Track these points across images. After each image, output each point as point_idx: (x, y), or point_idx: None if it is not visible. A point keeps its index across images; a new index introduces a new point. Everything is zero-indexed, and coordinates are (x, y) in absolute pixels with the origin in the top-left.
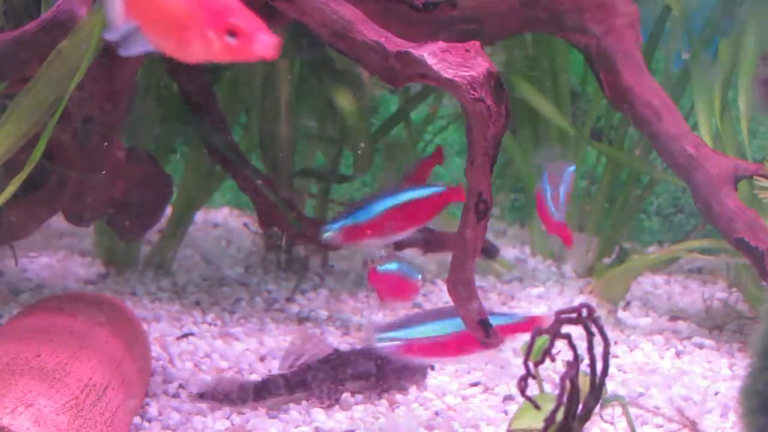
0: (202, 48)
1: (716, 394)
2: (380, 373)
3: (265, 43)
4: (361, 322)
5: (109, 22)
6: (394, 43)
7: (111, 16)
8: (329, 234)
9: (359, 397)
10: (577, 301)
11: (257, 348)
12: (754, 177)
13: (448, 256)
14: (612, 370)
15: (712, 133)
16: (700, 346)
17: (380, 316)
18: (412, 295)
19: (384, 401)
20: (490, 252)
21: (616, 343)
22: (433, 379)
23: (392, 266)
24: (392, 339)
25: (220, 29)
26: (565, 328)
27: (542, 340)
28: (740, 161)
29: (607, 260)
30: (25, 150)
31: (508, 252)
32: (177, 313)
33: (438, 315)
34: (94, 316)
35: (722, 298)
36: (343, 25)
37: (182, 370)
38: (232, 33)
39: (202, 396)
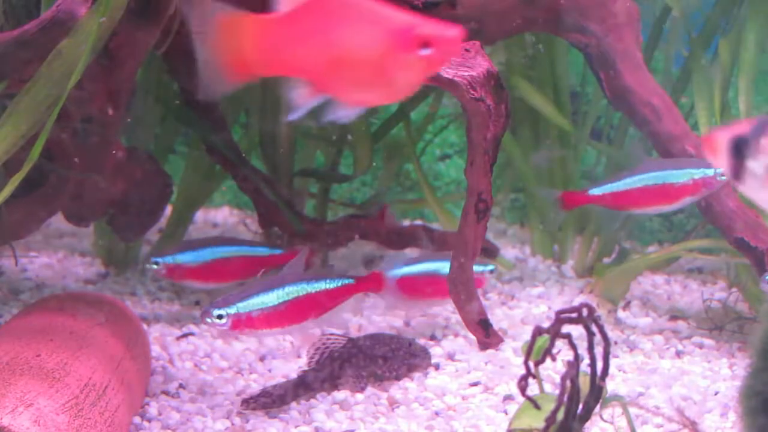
0: (405, 75)
1: (716, 393)
2: (393, 357)
3: (455, 37)
4: (360, 322)
5: (292, 103)
6: None
7: (295, 97)
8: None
9: (359, 396)
10: (577, 300)
11: (257, 348)
12: None
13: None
14: (612, 369)
15: None
16: (700, 346)
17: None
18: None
19: (384, 401)
20: (490, 252)
21: (616, 342)
22: (433, 379)
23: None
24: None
25: (412, 47)
26: (566, 328)
27: (543, 340)
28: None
29: (607, 260)
30: (25, 150)
31: (508, 252)
32: (177, 313)
33: (271, 285)
34: (94, 316)
35: (722, 297)
36: None
37: (182, 370)
38: (425, 45)
39: (246, 402)
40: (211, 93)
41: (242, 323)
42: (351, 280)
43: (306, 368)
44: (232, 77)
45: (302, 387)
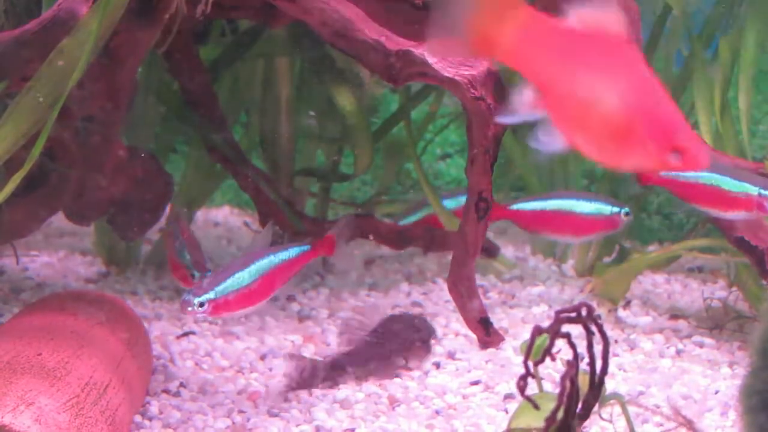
0: (637, 158)
1: (716, 392)
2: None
3: (704, 162)
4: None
5: (512, 105)
6: (395, 42)
7: (518, 102)
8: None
9: (360, 395)
10: (578, 300)
11: (258, 347)
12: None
13: (448, 255)
14: (612, 368)
15: (713, 132)
16: (701, 345)
17: None
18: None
19: (385, 400)
20: (490, 251)
21: (616, 341)
22: (434, 377)
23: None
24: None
25: (665, 146)
26: (566, 327)
27: (542, 339)
28: (740, 160)
29: (607, 259)
30: (26, 149)
31: (509, 251)
32: (178, 312)
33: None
34: (94, 315)
35: (722, 297)
36: (343, 24)
37: (183, 369)
38: (677, 151)
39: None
40: (434, 51)
41: (222, 307)
42: (307, 246)
43: (338, 352)
44: (469, 45)
45: (337, 369)
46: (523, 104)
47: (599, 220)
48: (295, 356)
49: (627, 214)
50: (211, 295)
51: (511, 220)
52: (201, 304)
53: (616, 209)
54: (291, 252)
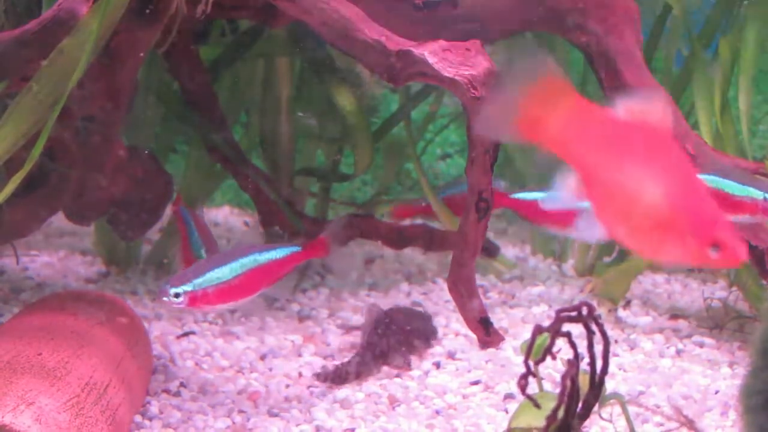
0: (676, 252)
1: (716, 392)
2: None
3: (742, 257)
4: (362, 321)
5: (555, 185)
6: (395, 42)
7: (560, 184)
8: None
9: (360, 395)
10: (578, 299)
11: (258, 346)
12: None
13: (448, 255)
14: (612, 368)
15: (713, 133)
16: (701, 345)
17: None
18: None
19: (385, 399)
20: (490, 251)
21: (616, 341)
22: (434, 377)
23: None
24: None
25: (705, 241)
26: (566, 327)
27: (543, 339)
28: (740, 160)
29: (607, 259)
30: (26, 149)
31: (509, 251)
32: (178, 312)
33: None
34: (94, 314)
35: (722, 297)
36: (343, 24)
37: (183, 369)
38: (717, 246)
39: (318, 376)
40: (484, 128)
41: (199, 300)
42: (298, 248)
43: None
44: (514, 127)
45: (363, 364)
46: (567, 191)
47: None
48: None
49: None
50: (188, 286)
51: (512, 209)
52: (177, 295)
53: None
54: (279, 252)
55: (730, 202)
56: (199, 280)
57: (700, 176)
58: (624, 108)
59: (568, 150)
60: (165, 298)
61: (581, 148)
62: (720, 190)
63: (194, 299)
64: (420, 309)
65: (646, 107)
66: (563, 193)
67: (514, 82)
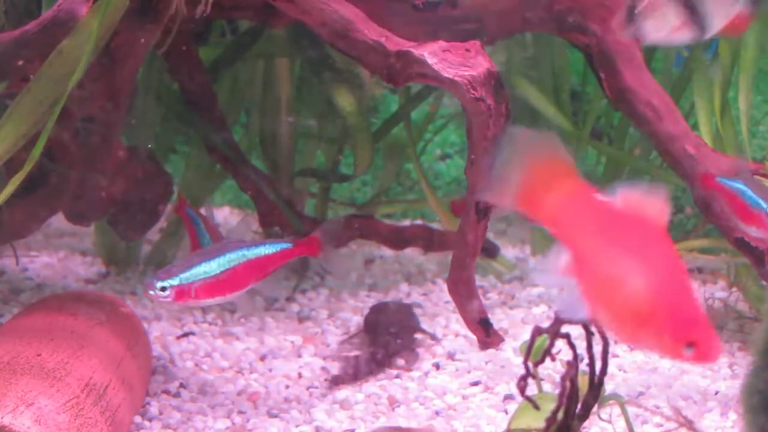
0: (652, 344)
1: (716, 393)
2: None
3: (715, 355)
4: (361, 321)
5: (543, 264)
6: (395, 43)
7: (550, 262)
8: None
9: (360, 396)
10: None
11: (258, 347)
12: (754, 176)
13: (448, 256)
14: (612, 369)
15: (712, 133)
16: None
17: None
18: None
19: (384, 400)
20: (490, 251)
21: (616, 342)
22: (433, 378)
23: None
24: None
25: (680, 341)
26: (565, 328)
27: (542, 340)
28: (740, 161)
29: None
30: (26, 149)
31: (509, 251)
32: (177, 313)
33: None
34: (94, 315)
35: (722, 297)
36: (343, 25)
37: (183, 370)
38: (691, 345)
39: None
40: (484, 196)
41: (186, 294)
42: (289, 245)
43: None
44: (513, 200)
45: (374, 362)
46: (558, 267)
47: None
48: (340, 357)
49: None
50: (174, 281)
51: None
52: (163, 289)
53: None
54: (268, 248)
55: (746, 213)
56: (185, 275)
57: (728, 182)
58: (623, 197)
59: (563, 231)
60: (151, 292)
61: (575, 230)
62: (740, 199)
63: (181, 294)
64: (404, 302)
65: (644, 200)
66: (553, 269)
67: (518, 157)
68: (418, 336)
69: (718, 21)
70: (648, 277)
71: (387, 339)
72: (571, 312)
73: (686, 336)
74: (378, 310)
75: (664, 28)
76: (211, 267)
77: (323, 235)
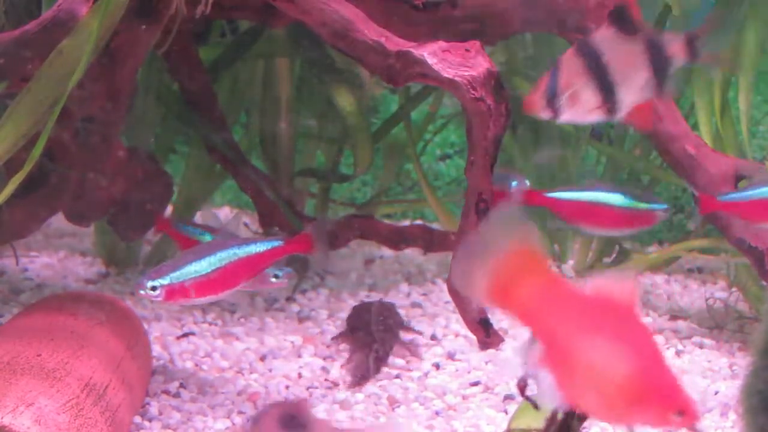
0: (642, 420)
1: (716, 393)
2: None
3: (699, 415)
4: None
5: (519, 355)
6: (395, 43)
7: (525, 355)
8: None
9: (360, 396)
10: None
11: (258, 347)
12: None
13: (448, 256)
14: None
15: (712, 133)
16: (700, 346)
17: None
18: None
19: (384, 400)
20: None
21: None
22: (433, 378)
23: None
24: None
25: (670, 410)
26: None
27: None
28: (740, 161)
29: (607, 260)
30: (26, 149)
31: None
32: (177, 313)
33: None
34: (94, 315)
35: (722, 297)
36: (343, 25)
37: (183, 370)
38: (680, 412)
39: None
40: (457, 286)
41: (176, 293)
42: (280, 242)
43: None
44: (483, 291)
45: (378, 360)
46: (531, 359)
47: (636, 215)
48: (354, 356)
49: (665, 210)
50: (165, 280)
51: (547, 208)
52: (153, 288)
53: (654, 205)
54: (260, 246)
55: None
56: (176, 274)
57: (754, 189)
58: (592, 285)
59: (533, 322)
60: (141, 291)
61: (546, 321)
62: (755, 200)
63: (171, 293)
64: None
65: (613, 284)
66: (525, 360)
67: (488, 246)
68: (408, 335)
69: (627, 105)
70: (627, 358)
71: (383, 336)
72: (547, 401)
73: (675, 406)
74: (360, 309)
75: (581, 110)
76: (202, 266)
77: (315, 233)
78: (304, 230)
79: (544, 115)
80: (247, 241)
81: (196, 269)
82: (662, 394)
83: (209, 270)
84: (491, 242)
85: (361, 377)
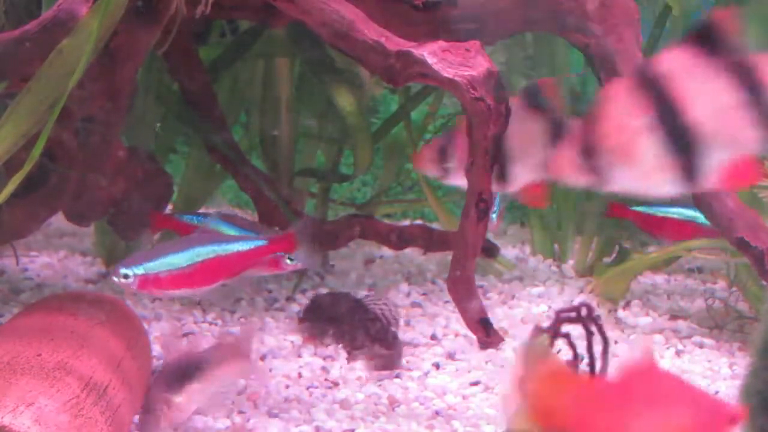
0: None
1: (716, 393)
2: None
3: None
4: None
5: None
6: (395, 43)
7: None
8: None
9: (360, 396)
10: (578, 300)
11: (258, 347)
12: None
13: (448, 255)
14: (612, 369)
15: None
16: (700, 345)
17: None
18: None
19: (385, 400)
20: (490, 251)
21: (616, 342)
22: (433, 378)
23: None
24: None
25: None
26: (565, 327)
27: (542, 339)
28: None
29: (607, 259)
30: (26, 149)
31: (509, 251)
32: (177, 313)
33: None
34: (94, 315)
35: (722, 297)
36: (343, 25)
37: None
38: (732, 421)
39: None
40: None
41: (149, 283)
42: (263, 241)
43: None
44: (530, 416)
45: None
46: (512, 409)
47: (707, 228)
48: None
49: None
50: (139, 269)
51: (633, 222)
52: (126, 276)
53: None
54: (243, 244)
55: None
56: (151, 264)
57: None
58: (616, 371)
59: (583, 427)
60: (114, 278)
61: (594, 421)
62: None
63: (145, 282)
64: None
65: (629, 357)
66: (509, 413)
67: (521, 379)
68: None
69: (520, 180)
70: (680, 416)
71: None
72: None
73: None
74: (316, 301)
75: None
76: (179, 259)
77: (299, 232)
78: (289, 229)
79: (432, 173)
80: (230, 239)
81: (173, 262)
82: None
83: (186, 264)
84: (521, 376)
85: (385, 364)
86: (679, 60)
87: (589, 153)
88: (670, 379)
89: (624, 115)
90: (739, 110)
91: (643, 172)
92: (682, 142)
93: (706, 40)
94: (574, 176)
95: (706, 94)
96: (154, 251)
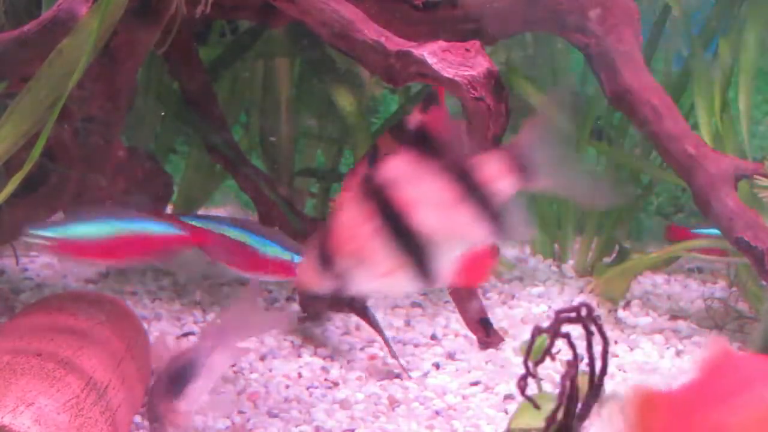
0: None
1: None
2: None
3: None
4: (360, 321)
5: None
6: (395, 43)
7: None
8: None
9: (360, 396)
10: (578, 300)
11: (258, 347)
12: (754, 176)
13: None
14: (612, 369)
15: (712, 133)
16: (700, 346)
17: None
18: None
19: (385, 400)
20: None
21: (616, 342)
22: (433, 378)
23: None
24: (44, 236)
25: None
26: (565, 327)
27: (542, 340)
28: (740, 161)
29: (607, 259)
30: (26, 149)
31: (509, 251)
32: (177, 312)
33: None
34: (94, 315)
35: (722, 297)
36: (343, 25)
37: None
38: None
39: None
40: None
41: (58, 248)
42: (181, 231)
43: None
44: None
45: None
46: None
47: None
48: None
49: None
50: (48, 232)
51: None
52: (34, 236)
53: None
54: (160, 227)
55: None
56: (60, 229)
57: None
58: (696, 372)
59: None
60: (24, 238)
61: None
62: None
63: (52, 246)
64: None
65: (706, 357)
66: None
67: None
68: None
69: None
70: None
71: None
72: None
73: None
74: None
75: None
76: (90, 230)
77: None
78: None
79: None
80: (147, 219)
81: (84, 231)
82: None
83: (95, 236)
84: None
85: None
86: (398, 166)
87: (329, 261)
88: (755, 360)
89: (353, 224)
90: (459, 207)
91: (379, 274)
92: (410, 243)
93: (421, 142)
94: (319, 284)
95: (425, 195)
96: (71, 218)
